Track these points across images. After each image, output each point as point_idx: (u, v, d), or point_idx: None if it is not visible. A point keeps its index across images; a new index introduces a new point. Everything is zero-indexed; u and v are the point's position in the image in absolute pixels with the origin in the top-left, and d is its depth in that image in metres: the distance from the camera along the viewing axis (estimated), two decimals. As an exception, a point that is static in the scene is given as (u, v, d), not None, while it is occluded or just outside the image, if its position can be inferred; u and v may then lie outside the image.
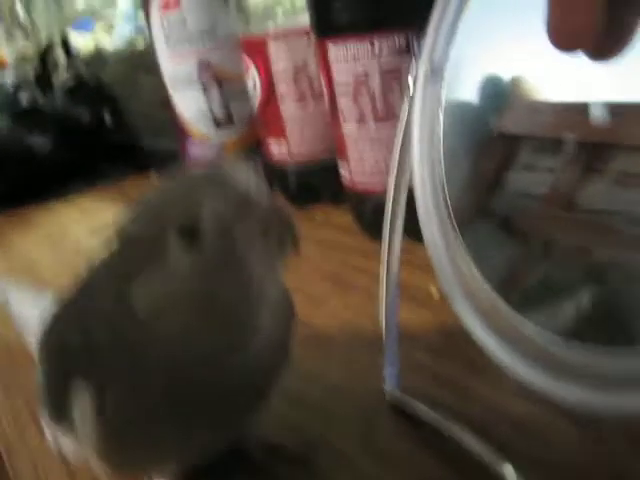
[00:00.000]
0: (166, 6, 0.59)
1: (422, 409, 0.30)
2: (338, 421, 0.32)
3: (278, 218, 0.23)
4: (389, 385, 0.32)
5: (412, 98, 0.34)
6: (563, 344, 0.23)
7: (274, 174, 0.60)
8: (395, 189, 0.34)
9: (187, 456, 0.27)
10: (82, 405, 0.24)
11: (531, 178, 0.27)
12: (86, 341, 0.24)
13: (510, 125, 0.29)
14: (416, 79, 0.34)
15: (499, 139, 0.29)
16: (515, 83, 0.28)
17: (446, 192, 0.31)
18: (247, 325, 0.23)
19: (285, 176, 0.58)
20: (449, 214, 0.31)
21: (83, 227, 0.70)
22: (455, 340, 0.31)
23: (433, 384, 0.32)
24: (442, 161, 0.32)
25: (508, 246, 0.29)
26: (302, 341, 0.39)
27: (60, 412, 0.25)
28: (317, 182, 0.57)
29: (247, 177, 0.22)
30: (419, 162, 0.33)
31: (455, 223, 0.30)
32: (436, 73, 0.33)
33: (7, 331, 0.42)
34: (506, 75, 0.28)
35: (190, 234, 0.22)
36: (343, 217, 0.53)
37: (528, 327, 0.26)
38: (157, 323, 0.22)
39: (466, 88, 0.30)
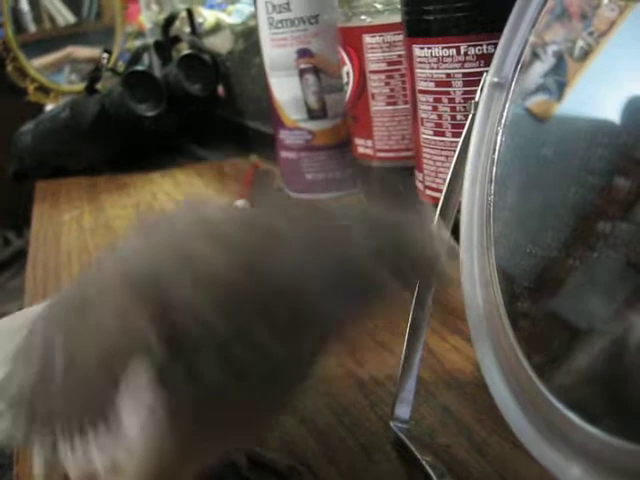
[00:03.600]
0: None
1: (421, 455, 0.27)
2: (334, 447, 0.30)
3: None
4: (397, 422, 0.29)
5: (476, 108, 0.31)
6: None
7: (358, 171, 0.57)
8: (443, 206, 0.31)
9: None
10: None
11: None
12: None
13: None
14: (482, 88, 0.31)
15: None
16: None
17: (492, 227, 0.28)
18: None
19: (368, 174, 0.56)
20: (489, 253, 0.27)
21: (171, 201, 0.71)
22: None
23: (448, 429, 0.29)
24: (492, 186, 0.29)
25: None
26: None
27: None
28: (400, 187, 0.54)
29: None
30: (470, 182, 0.30)
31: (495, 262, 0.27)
32: (503, 87, 0.29)
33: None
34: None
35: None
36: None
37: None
38: None
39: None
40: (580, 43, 0.27)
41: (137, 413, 0.20)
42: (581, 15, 0.27)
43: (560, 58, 0.27)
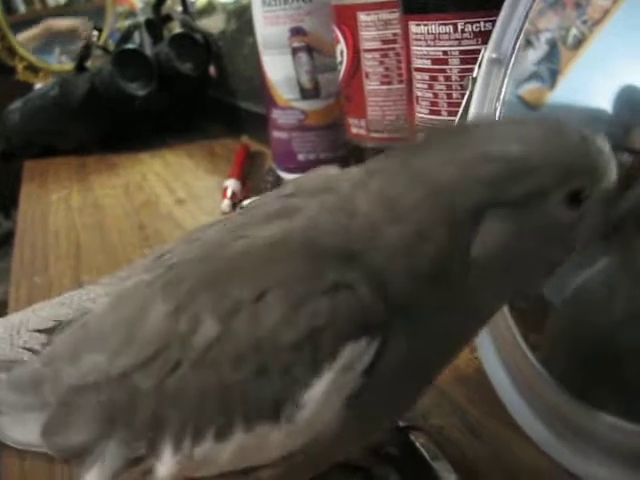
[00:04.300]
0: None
1: (414, 436, 0.27)
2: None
3: None
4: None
5: (474, 82, 0.30)
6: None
7: (351, 150, 0.57)
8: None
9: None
10: None
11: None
12: None
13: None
14: (481, 63, 0.30)
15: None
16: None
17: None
18: None
19: (361, 154, 0.55)
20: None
21: (161, 181, 0.70)
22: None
23: (442, 410, 0.29)
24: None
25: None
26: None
27: None
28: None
29: None
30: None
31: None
32: (501, 62, 0.29)
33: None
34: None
35: None
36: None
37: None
38: None
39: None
40: (574, 31, 0.26)
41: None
42: (575, 3, 0.26)
43: (553, 46, 0.27)
